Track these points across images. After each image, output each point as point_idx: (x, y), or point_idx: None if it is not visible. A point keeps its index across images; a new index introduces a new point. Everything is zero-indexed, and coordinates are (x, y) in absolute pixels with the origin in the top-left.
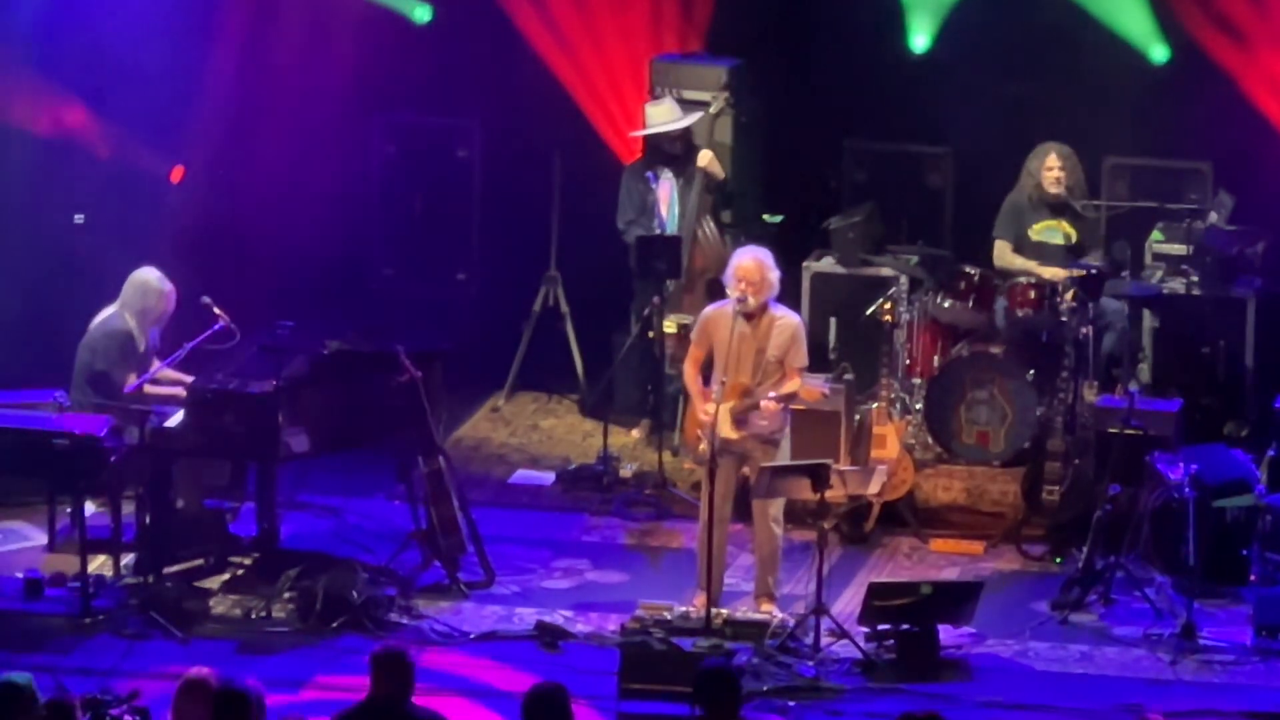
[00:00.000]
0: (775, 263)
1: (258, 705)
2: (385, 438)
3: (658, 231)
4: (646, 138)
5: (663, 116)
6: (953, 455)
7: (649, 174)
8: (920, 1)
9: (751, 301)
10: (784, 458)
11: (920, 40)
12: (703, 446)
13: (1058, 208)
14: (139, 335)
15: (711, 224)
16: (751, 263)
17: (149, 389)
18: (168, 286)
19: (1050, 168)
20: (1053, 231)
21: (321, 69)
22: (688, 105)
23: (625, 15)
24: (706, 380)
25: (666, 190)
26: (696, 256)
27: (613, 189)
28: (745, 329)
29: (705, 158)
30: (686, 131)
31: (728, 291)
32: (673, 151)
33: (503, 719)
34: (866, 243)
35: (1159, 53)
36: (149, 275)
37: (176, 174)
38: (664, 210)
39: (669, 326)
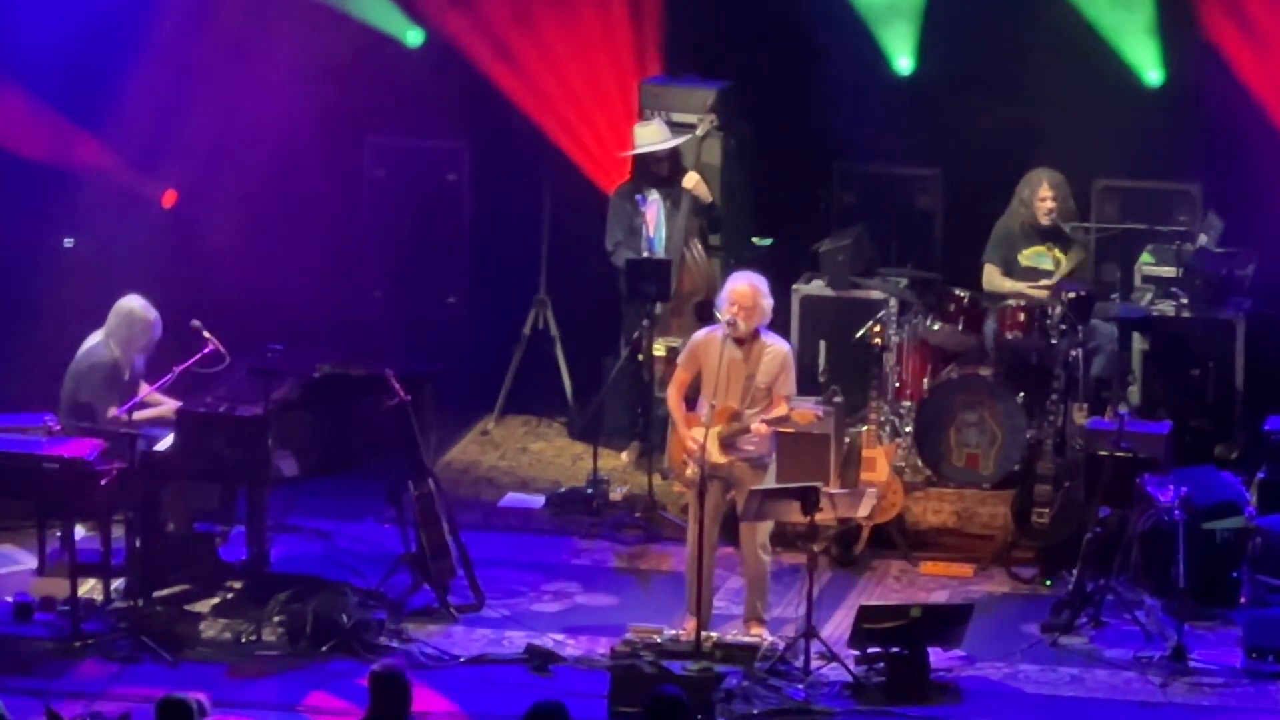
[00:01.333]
0: (769, 290)
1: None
2: (375, 461)
3: (645, 254)
4: (634, 160)
5: (651, 137)
6: (942, 478)
7: (637, 196)
8: (886, 24)
9: (742, 326)
10: (770, 481)
11: (904, 62)
12: (690, 470)
13: (1048, 233)
14: (124, 364)
15: (699, 247)
16: (746, 287)
17: (137, 415)
18: (153, 315)
19: (1043, 198)
20: (1042, 257)
21: (311, 92)
22: (677, 128)
23: (613, 39)
24: (690, 405)
25: (654, 212)
26: (684, 279)
27: (602, 212)
28: (736, 354)
29: (691, 180)
30: (674, 153)
31: (718, 315)
32: (660, 173)
33: None
34: (856, 265)
35: (1154, 76)
36: (134, 304)
37: (168, 199)
38: (651, 232)
39: (658, 349)
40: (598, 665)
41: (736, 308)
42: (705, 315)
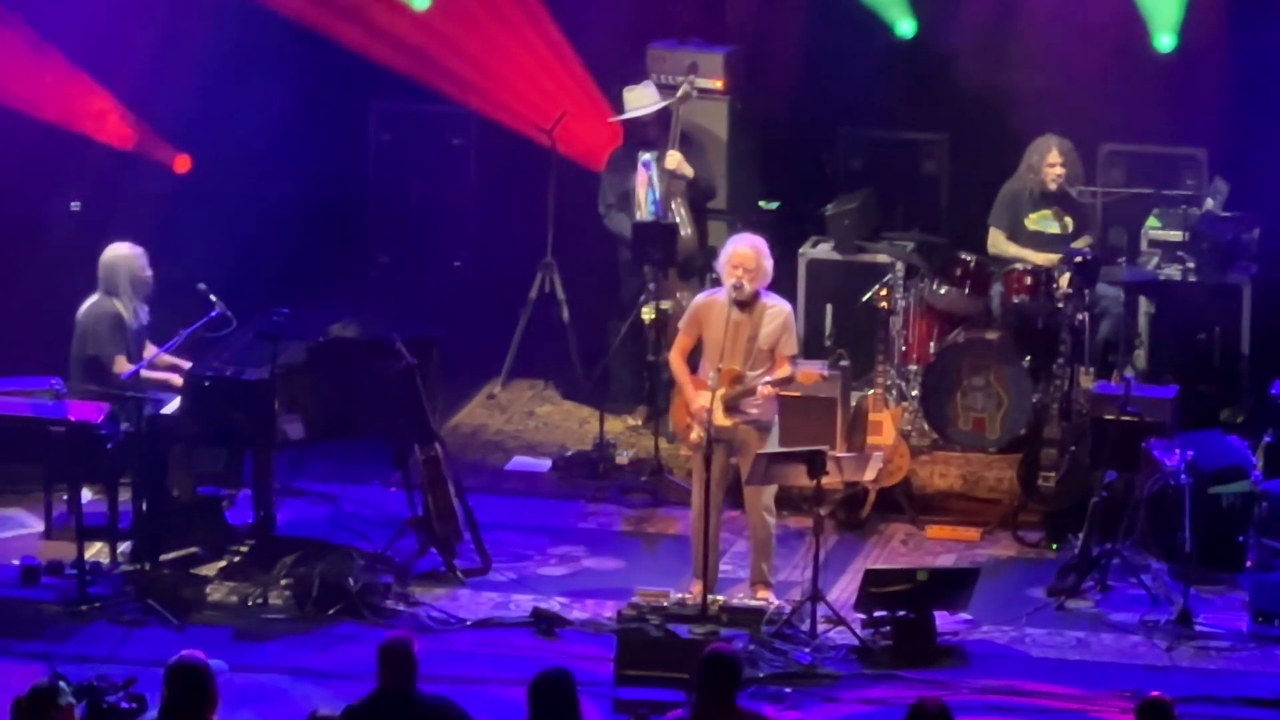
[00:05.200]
0: (769, 251)
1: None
2: (382, 425)
3: (637, 217)
4: (627, 124)
5: (638, 101)
6: (949, 442)
7: (642, 160)
8: None
9: (748, 288)
10: (773, 444)
11: (905, 26)
12: (694, 434)
13: (1055, 198)
14: (128, 314)
15: (684, 210)
16: (749, 250)
17: (145, 374)
18: (138, 250)
19: (1052, 164)
20: (1049, 221)
21: (318, 55)
22: (667, 91)
23: (622, 2)
24: (690, 369)
25: (646, 175)
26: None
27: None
28: (739, 317)
29: (674, 160)
30: (666, 114)
31: (723, 278)
32: (650, 136)
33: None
34: (862, 229)
35: (1165, 41)
36: (118, 249)
37: (181, 164)
38: (642, 195)
39: (647, 313)
40: (604, 629)
41: (741, 270)
42: (688, 276)
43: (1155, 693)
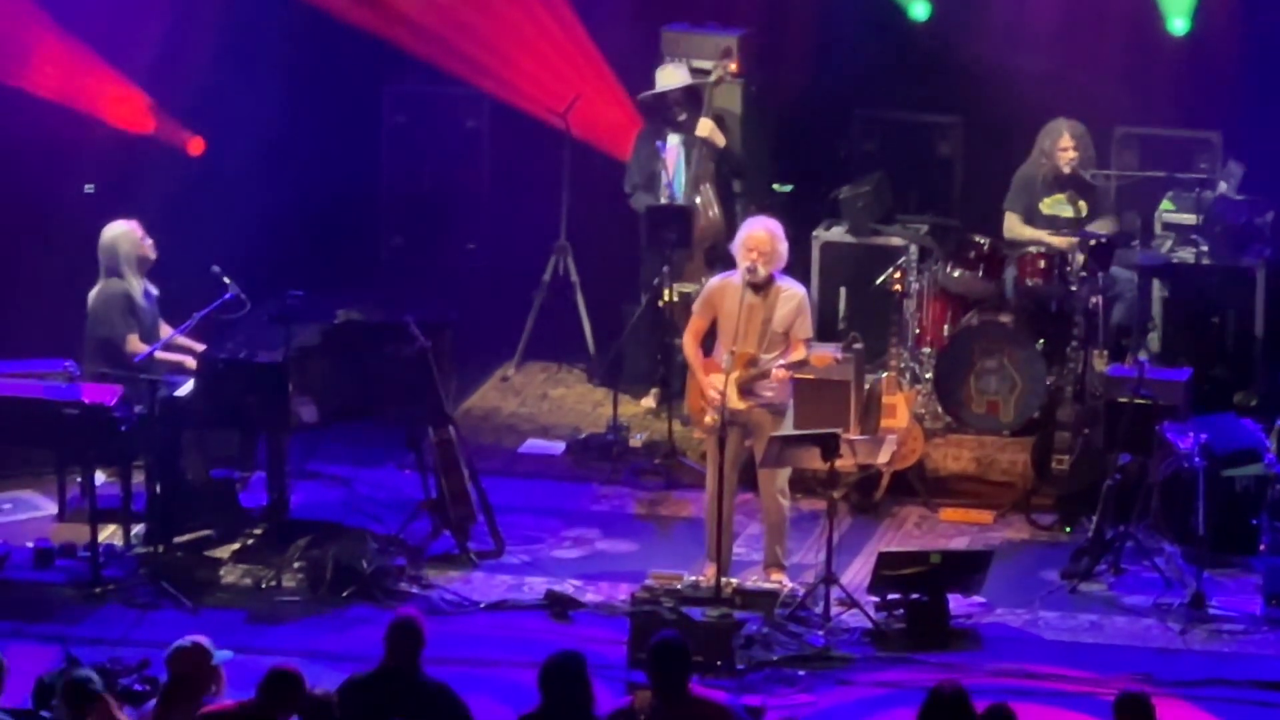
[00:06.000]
0: (784, 234)
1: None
2: (395, 407)
3: (665, 198)
4: (654, 104)
5: (670, 80)
6: (962, 424)
7: (658, 142)
8: None
9: (762, 271)
10: (787, 427)
11: (919, 9)
12: (709, 417)
13: (1069, 181)
14: (135, 292)
15: (711, 191)
16: (763, 233)
17: (159, 356)
18: (133, 224)
19: (1065, 148)
20: (1063, 205)
21: (331, 38)
22: (697, 74)
23: None
24: (704, 351)
25: (673, 157)
26: (696, 224)
27: (624, 158)
28: (754, 300)
29: (705, 128)
30: (693, 98)
31: (737, 261)
32: (676, 118)
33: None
34: (876, 212)
35: (1179, 24)
36: (113, 227)
37: (195, 146)
38: (669, 176)
39: (668, 296)
40: (618, 611)
41: (755, 253)
42: (714, 260)
43: (1135, 689)
